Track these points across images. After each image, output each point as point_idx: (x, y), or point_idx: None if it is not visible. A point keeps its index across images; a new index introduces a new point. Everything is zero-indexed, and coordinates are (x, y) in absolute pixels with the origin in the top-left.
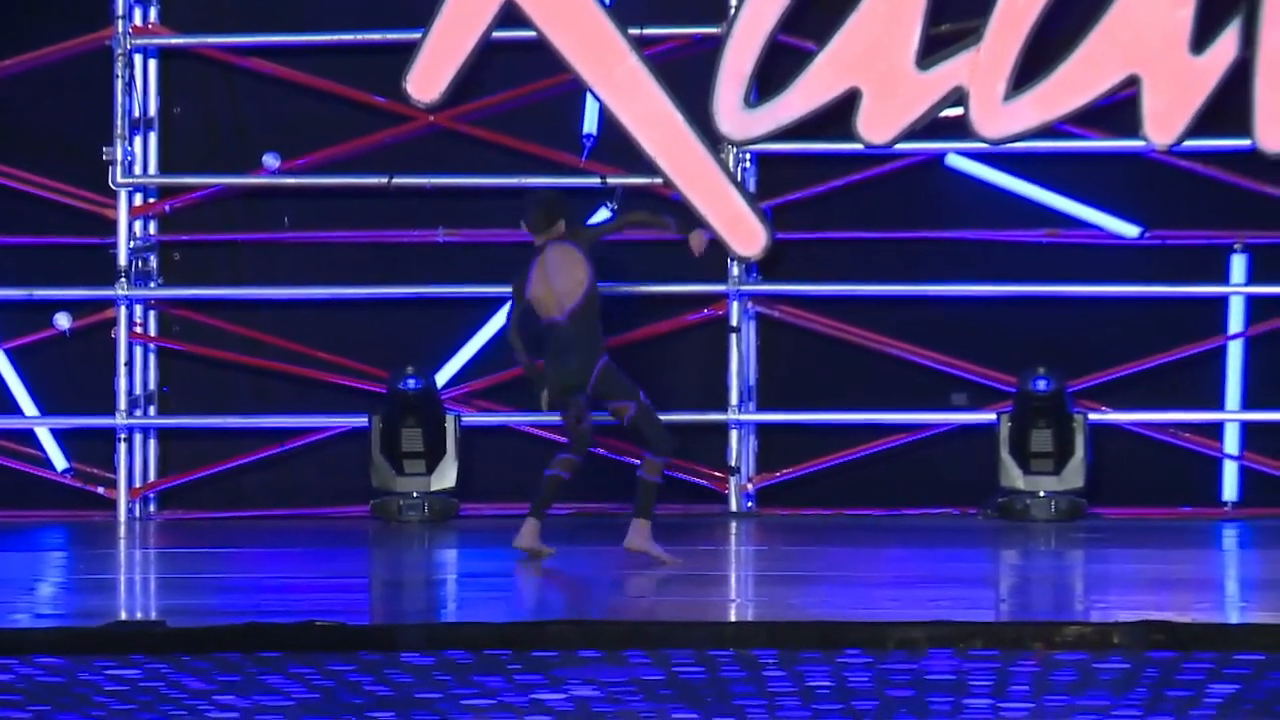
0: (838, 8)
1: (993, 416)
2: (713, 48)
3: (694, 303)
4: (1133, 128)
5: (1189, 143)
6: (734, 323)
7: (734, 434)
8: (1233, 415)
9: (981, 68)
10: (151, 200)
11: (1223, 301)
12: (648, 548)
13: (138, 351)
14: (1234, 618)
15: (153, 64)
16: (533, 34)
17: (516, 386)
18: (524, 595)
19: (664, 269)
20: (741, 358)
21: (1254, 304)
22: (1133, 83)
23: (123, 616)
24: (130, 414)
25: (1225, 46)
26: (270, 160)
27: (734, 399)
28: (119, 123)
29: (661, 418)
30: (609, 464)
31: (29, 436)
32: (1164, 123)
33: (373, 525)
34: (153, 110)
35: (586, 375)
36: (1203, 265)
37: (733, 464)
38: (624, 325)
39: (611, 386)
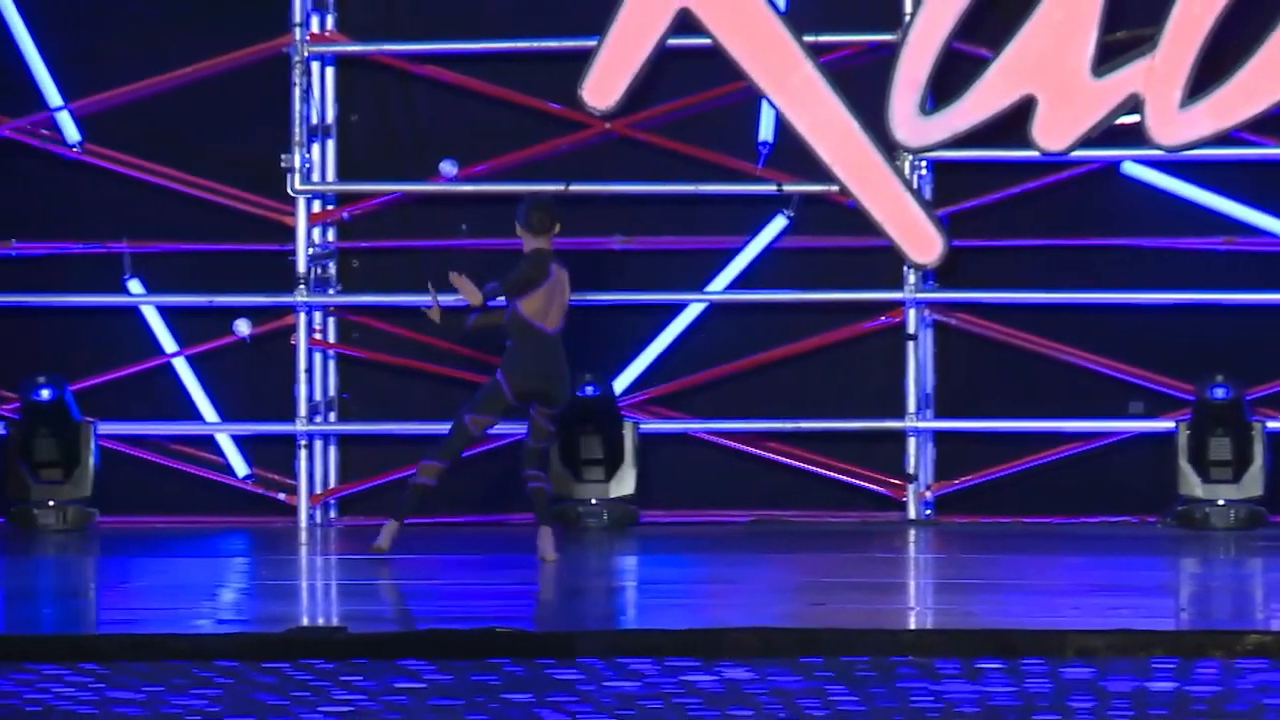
0: (1013, 14)
1: (1171, 425)
2: (887, 55)
3: (871, 310)
4: None
5: None
6: (911, 330)
7: (912, 441)
8: None
9: (1157, 75)
10: (330, 207)
11: None
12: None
13: (317, 358)
14: None
15: (330, 71)
16: (708, 41)
17: (694, 394)
18: (702, 602)
19: (842, 276)
20: (918, 365)
21: None
22: None
23: (304, 622)
24: (310, 420)
25: None
26: (447, 167)
27: (911, 406)
28: (297, 130)
29: (839, 425)
30: (785, 471)
31: (210, 443)
32: None
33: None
34: (330, 117)
35: (566, 391)
36: None
37: (911, 471)
38: (801, 332)
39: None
